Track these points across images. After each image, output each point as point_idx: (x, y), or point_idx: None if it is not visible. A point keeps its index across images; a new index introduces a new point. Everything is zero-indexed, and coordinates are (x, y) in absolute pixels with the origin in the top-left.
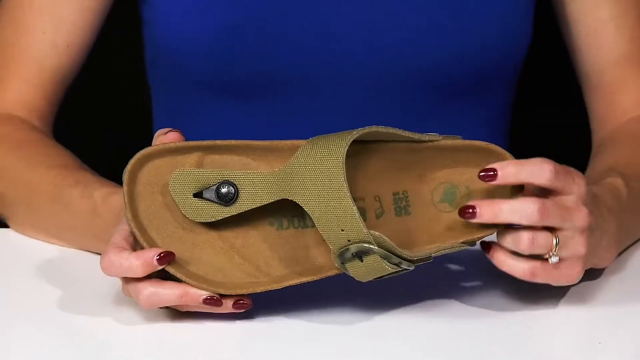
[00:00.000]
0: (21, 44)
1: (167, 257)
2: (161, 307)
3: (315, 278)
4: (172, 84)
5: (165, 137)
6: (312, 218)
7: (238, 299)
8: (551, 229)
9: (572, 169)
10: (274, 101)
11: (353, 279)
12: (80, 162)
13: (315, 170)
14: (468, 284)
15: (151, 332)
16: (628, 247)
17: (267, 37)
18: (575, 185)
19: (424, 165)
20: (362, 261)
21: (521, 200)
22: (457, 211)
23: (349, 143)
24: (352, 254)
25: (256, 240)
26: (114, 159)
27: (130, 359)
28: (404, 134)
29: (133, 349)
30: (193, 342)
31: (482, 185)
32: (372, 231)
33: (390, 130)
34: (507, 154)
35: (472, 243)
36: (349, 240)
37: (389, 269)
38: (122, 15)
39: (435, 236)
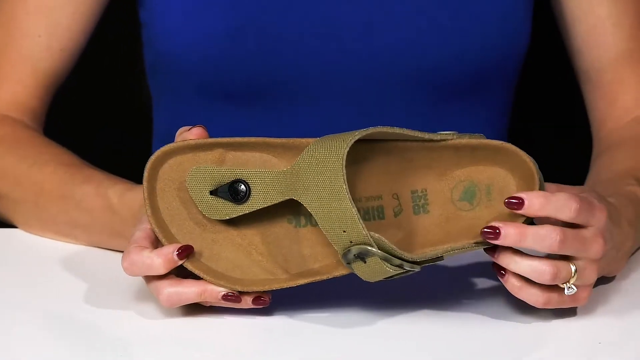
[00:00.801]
0: (15, 46)
1: (186, 251)
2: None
3: (330, 276)
4: (171, 87)
5: (189, 133)
6: (315, 219)
7: (258, 295)
8: (567, 257)
9: (594, 202)
10: (275, 103)
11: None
12: (82, 160)
13: (317, 172)
14: (470, 285)
15: (168, 327)
16: None
17: (267, 39)
18: (595, 219)
19: (444, 164)
20: (365, 262)
21: (545, 228)
22: (475, 210)
23: (349, 144)
24: (354, 255)
25: (275, 237)
26: (114, 160)
27: (145, 354)
28: (411, 134)
29: (149, 344)
30: (210, 338)
31: (503, 184)
32: (372, 233)
33: (397, 130)
34: (523, 154)
35: (486, 243)
36: (351, 242)
37: (390, 270)
38: (123, 15)
39: (452, 235)
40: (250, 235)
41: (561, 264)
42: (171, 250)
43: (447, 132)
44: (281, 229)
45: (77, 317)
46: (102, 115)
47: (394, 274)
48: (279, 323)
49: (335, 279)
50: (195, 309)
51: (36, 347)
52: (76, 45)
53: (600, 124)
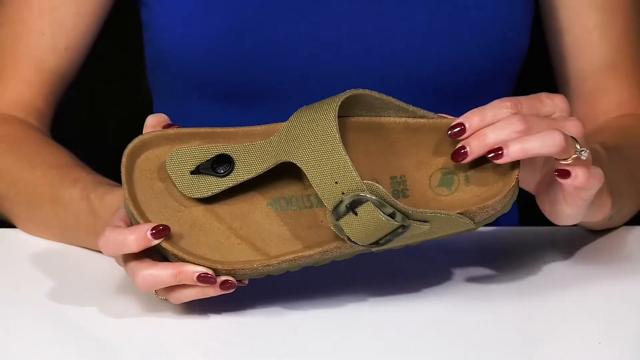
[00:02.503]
0: (20, 45)
1: (162, 232)
2: (160, 296)
3: (312, 252)
4: (171, 87)
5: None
6: (306, 174)
7: (225, 280)
8: None
9: (540, 93)
10: (274, 104)
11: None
12: (77, 160)
13: (308, 128)
14: (469, 284)
15: (155, 328)
16: (629, 241)
17: (266, 42)
18: (549, 102)
19: (423, 151)
20: (356, 215)
21: (503, 119)
22: (454, 195)
23: (341, 99)
24: (346, 205)
25: (254, 222)
26: (114, 159)
27: (132, 354)
28: (396, 102)
29: (136, 345)
30: (194, 337)
31: (481, 170)
32: (366, 181)
33: (383, 96)
34: None
35: (468, 223)
36: (343, 193)
37: (382, 218)
38: (124, 15)
39: None
40: (230, 220)
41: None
42: (145, 228)
43: (426, 111)
44: (261, 214)
45: (75, 317)
46: (102, 114)
47: (384, 233)
48: (268, 320)
49: (314, 274)
50: (188, 308)
51: (35, 347)
52: (81, 44)
53: None
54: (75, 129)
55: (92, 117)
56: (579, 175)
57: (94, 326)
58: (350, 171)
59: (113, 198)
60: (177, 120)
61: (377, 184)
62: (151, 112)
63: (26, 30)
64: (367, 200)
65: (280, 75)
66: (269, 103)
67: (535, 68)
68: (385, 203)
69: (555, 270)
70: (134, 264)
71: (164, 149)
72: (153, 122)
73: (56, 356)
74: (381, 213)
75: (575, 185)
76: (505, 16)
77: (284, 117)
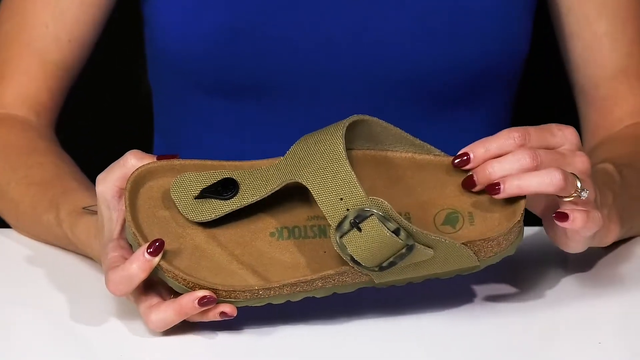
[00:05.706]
0: (23, 38)
1: (158, 248)
2: None
3: (313, 277)
4: (171, 83)
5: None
6: (311, 191)
7: (203, 296)
8: None
9: (549, 125)
10: (271, 101)
11: (349, 294)
12: (62, 166)
13: (314, 149)
14: (469, 285)
15: (152, 335)
16: (629, 241)
17: (264, 40)
18: (559, 134)
19: (428, 190)
20: (360, 231)
21: (512, 152)
22: (458, 232)
23: (348, 122)
24: (350, 221)
25: (256, 249)
26: (114, 155)
27: (131, 353)
28: (402, 134)
29: (135, 345)
30: (195, 352)
31: (485, 210)
32: (371, 197)
33: (389, 126)
34: None
35: (472, 257)
36: (347, 209)
37: (387, 234)
38: (125, 11)
39: None
40: (232, 247)
41: (564, 170)
42: (142, 251)
43: (433, 148)
44: (263, 242)
45: (73, 317)
46: (103, 110)
47: (388, 253)
48: (270, 338)
49: (316, 300)
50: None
51: (33, 347)
52: (85, 36)
53: (593, 134)
54: (74, 124)
55: (92, 113)
56: (577, 219)
57: (93, 326)
58: (355, 187)
59: (82, 229)
60: (178, 115)
61: (382, 199)
62: (151, 109)
63: (29, 23)
64: (372, 214)
65: (279, 72)
66: (267, 100)
67: (538, 73)
68: (389, 218)
69: (555, 270)
70: (142, 308)
71: (169, 180)
72: (135, 163)
73: (54, 356)
74: (385, 228)
75: (573, 228)
76: (504, 19)
77: (281, 114)
